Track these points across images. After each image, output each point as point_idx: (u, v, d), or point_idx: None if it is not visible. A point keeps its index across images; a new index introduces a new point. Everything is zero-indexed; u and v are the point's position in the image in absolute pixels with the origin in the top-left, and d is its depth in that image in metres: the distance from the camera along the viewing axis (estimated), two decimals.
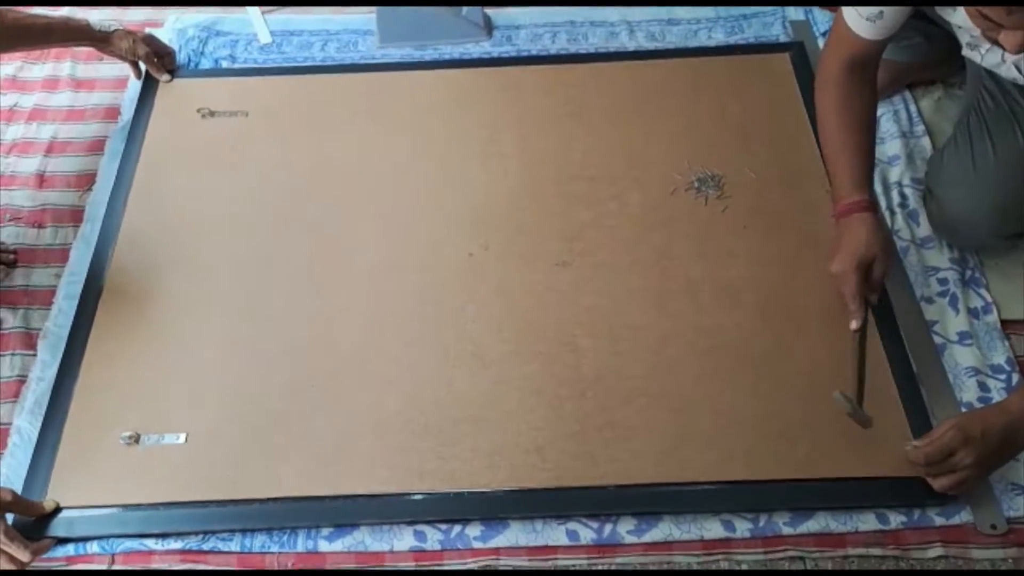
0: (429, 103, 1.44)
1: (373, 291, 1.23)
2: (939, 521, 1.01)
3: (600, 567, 1.01)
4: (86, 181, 1.38)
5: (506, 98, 1.44)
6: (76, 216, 1.33)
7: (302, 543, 1.03)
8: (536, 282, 1.23)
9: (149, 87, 1.47)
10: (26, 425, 1.12)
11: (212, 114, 1.42)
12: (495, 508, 1.04)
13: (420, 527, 1.04)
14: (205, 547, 1.03)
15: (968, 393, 1.11)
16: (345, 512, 1.05)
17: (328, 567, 1.02)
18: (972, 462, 0.95)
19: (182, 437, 1.09)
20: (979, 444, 0.95)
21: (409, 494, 1.05)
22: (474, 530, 1.04)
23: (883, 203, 1.29)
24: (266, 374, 1.15)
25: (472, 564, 1.01)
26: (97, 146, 1.42)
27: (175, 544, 1.03)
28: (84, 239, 1.30)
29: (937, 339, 1.17)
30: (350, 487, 1.06)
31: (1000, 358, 1.15)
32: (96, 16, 1.42)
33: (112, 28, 1.40)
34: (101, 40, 1.40)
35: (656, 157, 1.35)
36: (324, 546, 1.03)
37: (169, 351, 1.17)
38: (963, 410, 1.10)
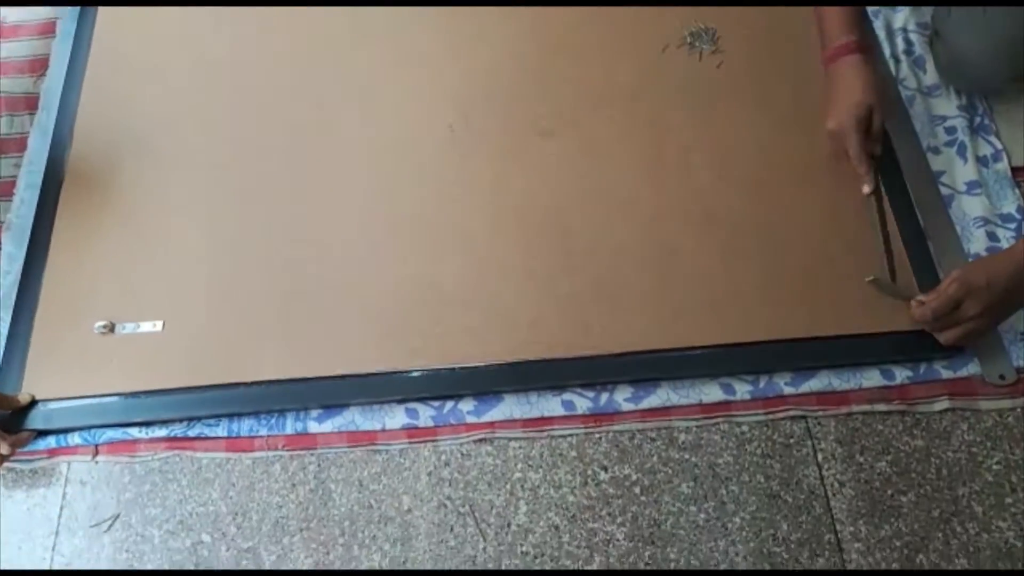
0: None
1: (352, 170, 1.14)
2: (946, 374, 0.97)
3: (597, 435, 0.97)
4: (39, 66, 1.27)
5: None
6: (31, 103, 1.23)
7: (291, 425, 0.99)
8: (522, 156, 1.14)
9: None
10: None
11: None
12: (488, 382, 0.99)
13: (412, 404, 0.99)
14: (191, 433, 0.99)
15: (976, 244, 1.05)
16: (334, 392, 0.99)
17: (320, 448, 0.98)
18: (978, 312, 0.89)
19: (159, 325, 1.03)
20: (984, 293, 0.89)
21: (399, 372, 0.99)
22: (467, 405, 0.99)
23: (887, 50, 1.19)
24: (243, 257, 1.08)
25: (466, 438, 0.97)
26: (48, 29, 1.30)
27: (160, 432, 0.99)
28: (41, 127, 1.20)
29: (944, 190, 1.09)
30: (338, 367, 1.00)
31: (1010, 206, 1.08)
32: None
33: None
34: None
35: (645, 14, 1.24)
36: (314, 427, 0.99)
37: (140, 237, 1.10)
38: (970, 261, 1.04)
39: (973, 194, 1.09)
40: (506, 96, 1.20)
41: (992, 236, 1.05)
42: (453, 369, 1.00)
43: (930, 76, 1.17)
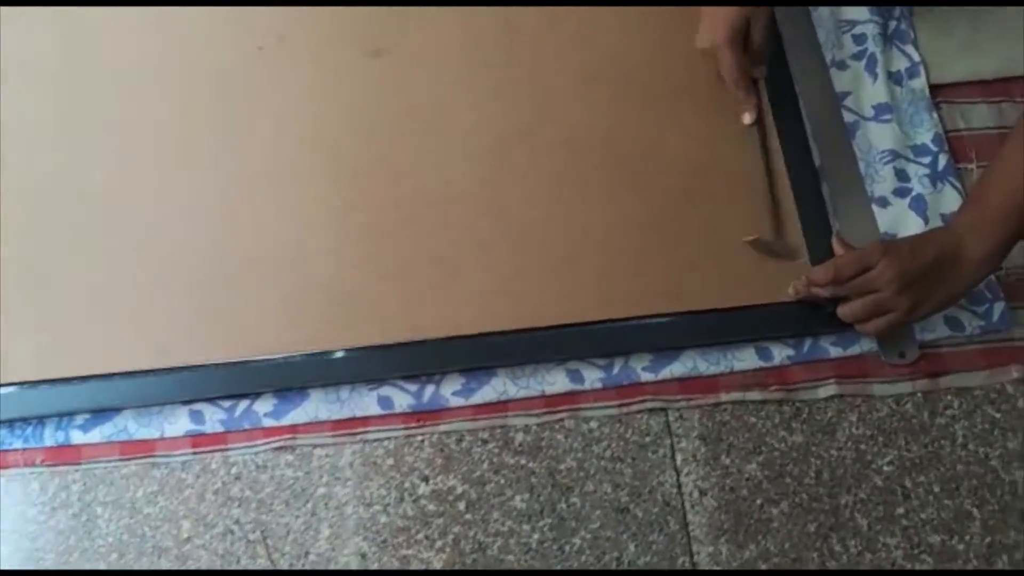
0: None
1: (129, 101, 0.84)
2: (834, 352, 0.73)
3: (419, 438, 0.73)
4: None
5: None
6: None
7: (51, 435, 0.73)
8: (345, 81, 0.85)
9: None
10: None
11: None
12: (290, 376, 0.74)
13: (197, 406, 0.74)
14: None
15: (881, 184, 0.79)
16: (103, 394, 0.73)
17: (84, 462, 0.73)
18: (891, 278, 0.64)
19: None
20: (905, 258, 0.64)
21: (181, 368, 0.74)
22: (264, 405, 0.74)
23: None
24: None
25: (263, 446, 0.73)
26: None
27: None
28: None
29: (847, 116, 0.82)
30: (106, 364, 0.74)
31: (925, 135, 0.81)
32: None
33: None
34: None
35: None
36: (78, 437, 0.73)
37: None
38: (875, 207, 0.78)
39: (882, 121, 0.82)
40: (329, 11, 0.89)
41: (901, 174, 0.79)
42: (247, 362, 0.74)
43: None
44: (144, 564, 0.70)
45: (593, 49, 0.84)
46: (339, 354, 0.74)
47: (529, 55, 0.85)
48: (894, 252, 0.64)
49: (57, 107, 0.84)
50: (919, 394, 0.71)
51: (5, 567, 0.71)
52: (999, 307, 0.73)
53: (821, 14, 0.85)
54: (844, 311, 0.67)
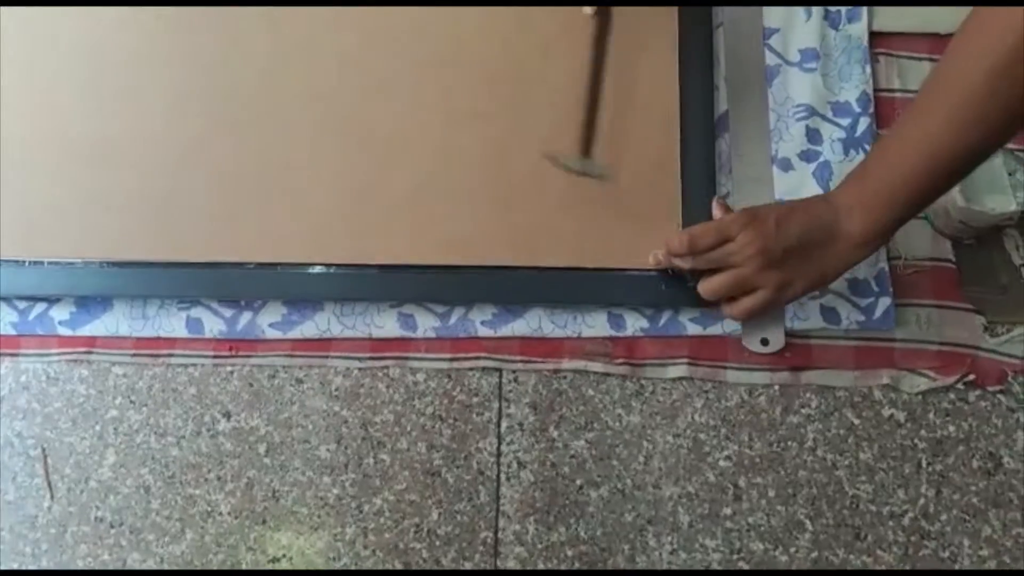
0: None
1: None
2: (692, 329, 0.64)
3: (228, 368, 0.66)
4: None
5: None
6: None
7: None
8: None
9: None
10: None
11: None
12: (90, 283, 0.65)
13: None
14: None
15: (788, 144, 0.68)
16: None
17: None
18: (753, 253, 0.55)
19: None
20: (769, 233, 0.55)
21: None
22: (61, 312, 0.66)
23: None
24: None
25: (57, 356, 0.66)
26: None
27: None
28: None
29: (770, 59, 0.70)
30: None
31: (851, 92, 0.69)
32: None
33: None
34: None
35: None
36: None
37: None
38: (775, 169, 0.68)
39: (806, 69, 0.70)
40: None
41: (813, 135, 0.68)
42: (41, 263, 0.66)
43: None
44: None
45: None
46: (145, 267, 0.65)
47: None
48: (758, 223, 0.55)
49: None
50: (776, 387, 0.63)
51: None
52: (884, 303, 0.64)
53: None
54: (703, 286, 0.58)
